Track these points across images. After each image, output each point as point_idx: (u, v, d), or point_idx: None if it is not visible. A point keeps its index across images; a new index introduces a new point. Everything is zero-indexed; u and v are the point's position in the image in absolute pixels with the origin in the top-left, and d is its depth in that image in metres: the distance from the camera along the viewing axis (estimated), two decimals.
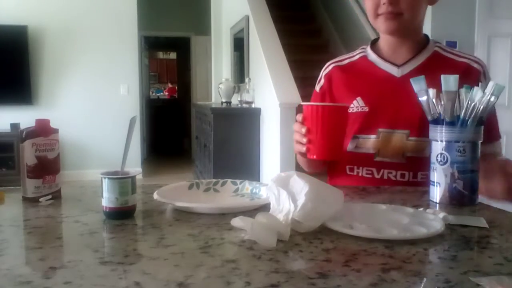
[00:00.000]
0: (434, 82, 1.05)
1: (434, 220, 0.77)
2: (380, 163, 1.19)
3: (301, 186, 0.76)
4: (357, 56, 1.31)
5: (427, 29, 3.43)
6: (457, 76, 0.93)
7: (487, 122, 1.12)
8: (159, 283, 0.55)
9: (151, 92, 10.45)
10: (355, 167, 1.22)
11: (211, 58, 6.86)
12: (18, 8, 5.64)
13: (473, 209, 0.91)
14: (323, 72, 1.34)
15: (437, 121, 0.96)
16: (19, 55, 5.59)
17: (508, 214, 0.89)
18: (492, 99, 0.92)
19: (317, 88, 1.34)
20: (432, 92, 0.97)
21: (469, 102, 0.93)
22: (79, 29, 5.84)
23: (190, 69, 8.16)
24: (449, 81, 0.93)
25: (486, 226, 0.78)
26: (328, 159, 1.19)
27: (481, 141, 0.96)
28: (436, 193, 0.95)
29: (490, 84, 0.92)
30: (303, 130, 1.03)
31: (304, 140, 1.04)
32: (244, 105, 4.16)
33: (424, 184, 1.16)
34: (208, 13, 6.79)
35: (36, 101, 5.75)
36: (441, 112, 0.95)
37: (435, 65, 1.20)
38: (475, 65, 1.21)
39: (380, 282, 0.55)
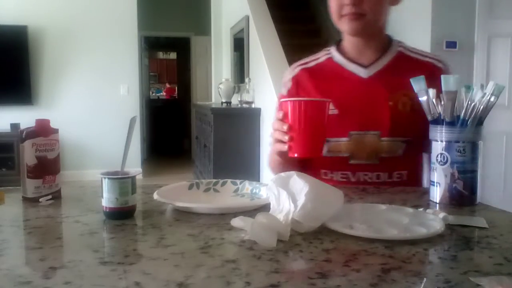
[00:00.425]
0: (402, 82, 1.12)
1: (434, 220, 0.77)
2: (355, 166, 1.19)
3: (301, 186, 0.76)
4: (323, 58, 1.29)
5: (427, 30, 3.43)
6: (458, 76, 0.93)
7: None
8: (159, 283, 0.55)
9: (151, 92, 10.44)
10: (329, 171, 1.21)
11: (211, 58, 6.86)
12: (18, 8, 5.63)
13: (473, 209, 0.92)
14: (289, 75, 1.31)
15: (437, 121, 0.96)
16: (19, 55, 5.59)
17: (508, 214, 0.89)
18: (492, 99, 0.92)
19: (284, 91, 1.31)
20: (432, 92, 0.97)
21: (469, 102, 0.93)
22: (79, 29, 5.84)
23: (190, 69, 8.15)
24: (449, 81, 0.93)
25: (486, 226, 0.78)
26: (310, 157, 1.12)
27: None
28: (436, 193, 0.95)
29: (490, 84, 0.92)
30: (285, 127, 0.98)
31: (286, 137, 0.99)
32: (244, 105, 4.16)
33: (399, 184, 1.17)
34: (208, 13, 6.79)
35: (36, 101, 5.75)
36: (441, 112, 0.95)
37: (401, 65, 1.22)
38: (440, 65, 1.23)
39: (380, 282, 0.55)
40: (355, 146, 1.18)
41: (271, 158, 1.22)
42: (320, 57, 1.31)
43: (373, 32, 1.22)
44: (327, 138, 1.17)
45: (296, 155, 1.00)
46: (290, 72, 1.31)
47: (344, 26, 1.19)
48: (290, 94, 1.29)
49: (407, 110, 1.18)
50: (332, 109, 1.17)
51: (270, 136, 1.06)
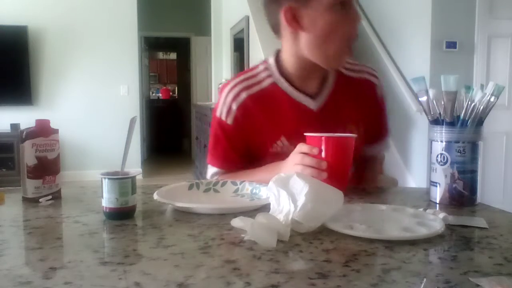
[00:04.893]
0: (347, 109, 1.16)
1: (434, 220, 0.77)
2: None
3: (301, 186, 0.76)
4: (267, 83, 1.18)
5: (427, 29, 3.43)
6: (457, 76, 0.93)
7: (380, 118, 1.23)
8: (159, 283, 0.55)
9: (151, 92, 10.41)
10: None
11: (211, 59, 6.86)
12: (18, 8, 5.64)
13: (473, 210, 0.92)
14: (233, 102, 1.17)
15: (437, 121, 0.96)
16: (19, 56, 5.59)
17: (508, 214, 0.89)
18: (492, 99, 0.92)
19: (228, 119, 1.17)
20: (432, 92, 0.97)
21: (469, 103, 0.93)
22: (79, 30, 5.84)
23: (190, 70, 8.16)
24: (449, 81, 0.93)
25: (486, 226, 0.78)
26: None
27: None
28: (436, 193, 0.95)
29: (490, 85, 0.92)
30: (323, 165, 0.94)
31: (323, 175, 0.93)
32: None
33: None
34: (208, 13, 6.79)
35: (36, 101, 5.75)
36: (441, 112, 0.95)
37: (343, 90, 1.20)
38: (374, 80, 1.25)
39: (380, 283, 0.55)
40: None
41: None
42: (262, 78, 1.19)
43: None
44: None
45: None
46: (234, 98, 1.17)
47: (342, 59, 1.13)
48: (237, 123, 1.17)
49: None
50: (288, 146, 1.13)
51: (296, 167, 0.96)
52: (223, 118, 1.18)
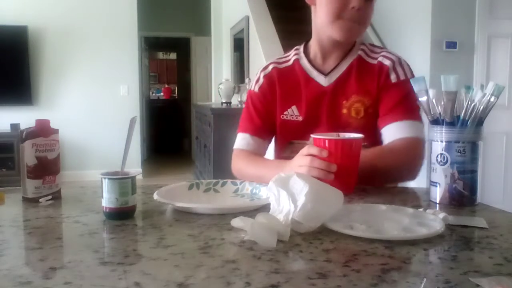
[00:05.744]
0: (356, 88, 1.20)
1: (434, 220, 0.77)
2: None
3: (301, 186, 0.76)
4: (292, 59, 1.32)
5: (427, 30, 3.43)
6: (457, 76, 0.93)
7: (390, 99, 1.20)
8: (159, 283, 0.55)
9: (151, 92, 10.40)
10: None
11: (211, 59, 6.86)
12: (18, 8, 5.63)
13: (473, 210, 0.91)
14: (262, 72, 1.33)
15: (437, 121, 0.96)
16: (19, 56, 5.58)
17: (508, 214, 0.89)
18: (492, 99, 0.92)
19: (256, 88, 1.33)
20: (432, 92, 0.97)
21: (469, 103, 0.93)
22: (79, 30, 5.83)
23: (190, 70, 8.15)
24: (449, 81, 0.93)
25: (486, 226, 0.78)
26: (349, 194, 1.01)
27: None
28: (436, 193, 0.95)
29: (490, 85, 0.92)
30: (333, 168, 0.95)
31: (331, 177, 0.94)
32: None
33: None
34: (208, 13, 6.80)
35: (36, 101, 5.75)
36: (441, 112, 0.95)
37: (356, 71, 1.23)
38: (386, 62, 1.22)
39: (380, 283, 0.55)
40: None
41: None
42: (290, 58, 1.33)
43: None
44: (292, 140, 1.23)
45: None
46: (264, 69, 1.33)
47: (339, 30, 1.17)
48: (262, 91, 1.31)
49: (360, 117, 1.21)
50: (297, 116, 1.25)
51: (302, 168, 0.97)
52: (252, 88, 1.34)
